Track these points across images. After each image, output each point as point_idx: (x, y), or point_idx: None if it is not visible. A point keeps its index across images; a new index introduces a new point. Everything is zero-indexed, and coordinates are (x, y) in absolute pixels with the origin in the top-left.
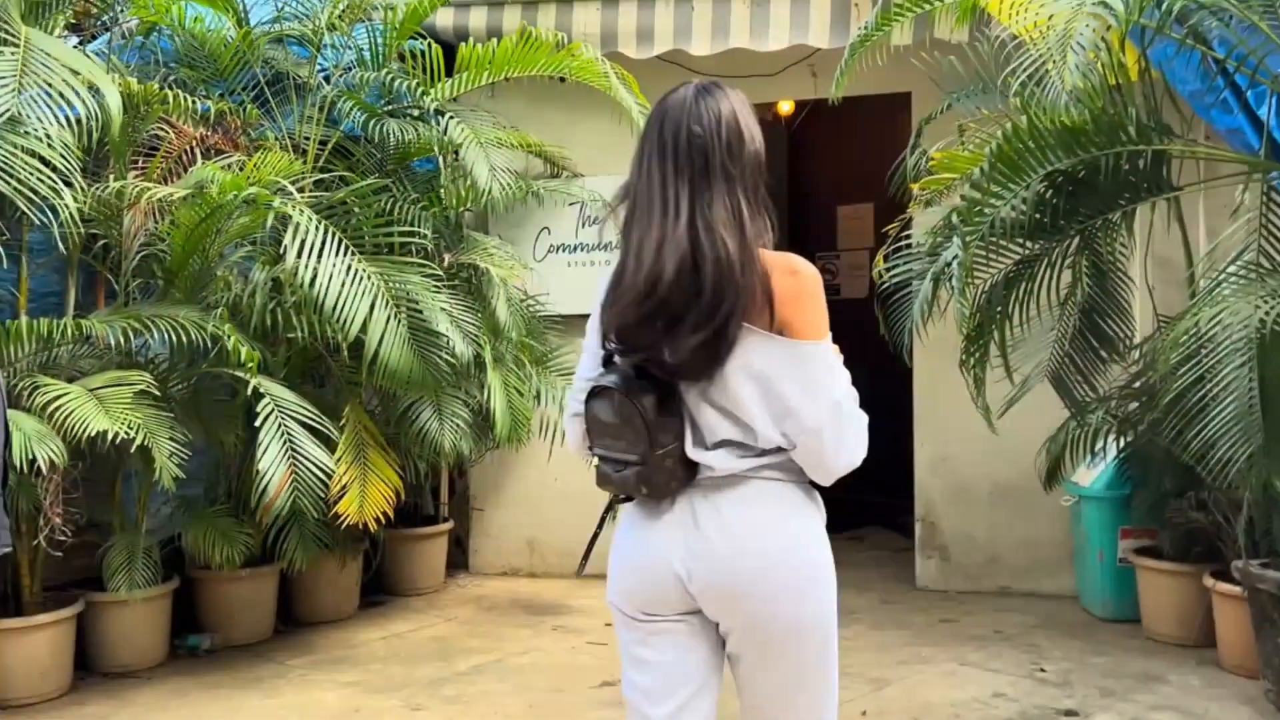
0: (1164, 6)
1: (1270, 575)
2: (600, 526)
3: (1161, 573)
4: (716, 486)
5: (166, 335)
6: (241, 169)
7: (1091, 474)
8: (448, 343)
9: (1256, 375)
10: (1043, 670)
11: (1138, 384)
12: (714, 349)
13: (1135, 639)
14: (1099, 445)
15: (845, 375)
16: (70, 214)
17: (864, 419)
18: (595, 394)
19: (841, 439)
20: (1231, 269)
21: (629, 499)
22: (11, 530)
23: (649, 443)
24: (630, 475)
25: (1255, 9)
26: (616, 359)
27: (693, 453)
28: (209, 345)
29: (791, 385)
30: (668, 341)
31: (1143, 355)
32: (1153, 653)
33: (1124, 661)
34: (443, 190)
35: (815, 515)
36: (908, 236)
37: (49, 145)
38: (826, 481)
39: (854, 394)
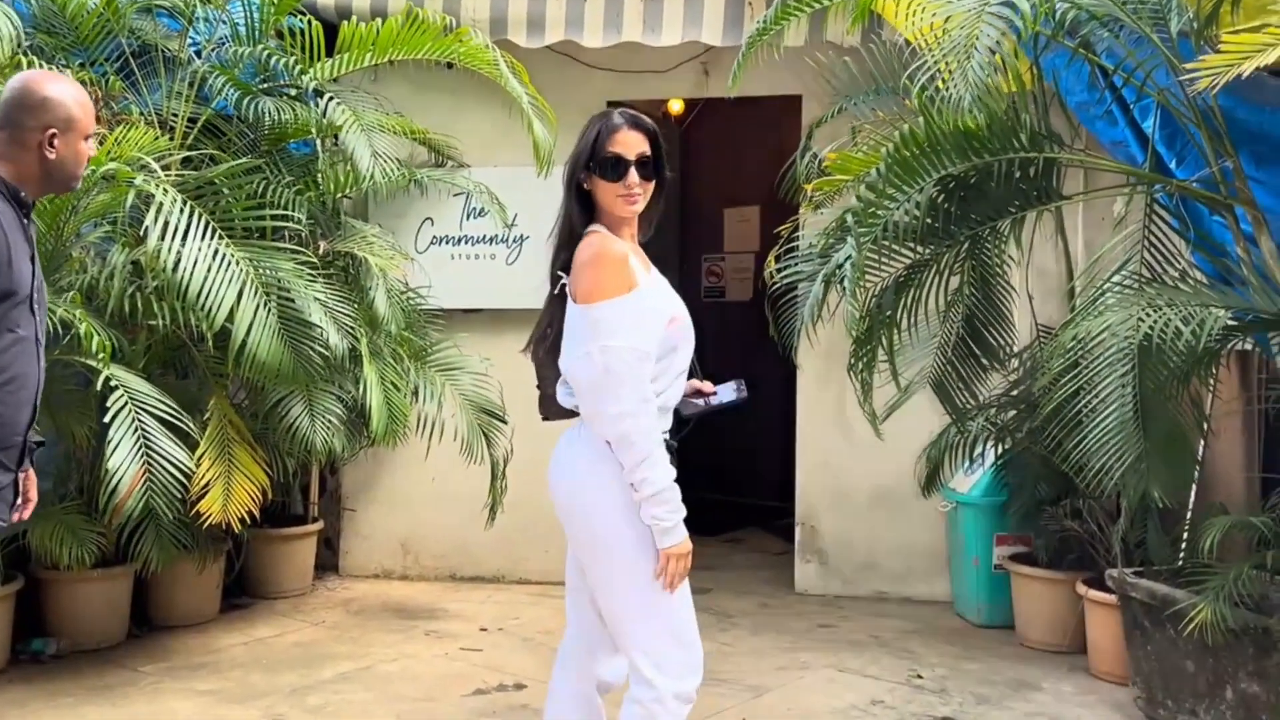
0: (1057, 16)
1: (1143, 584)
2: None
3: (1035, 579)
4: (573, 421)
5: None
6: (102, 143)
7: (969, 480)
8: (321, 334)
9: (1137, 386)
10: (920, 677)
11: (1016, 392)
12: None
13: (1009, 645)
14: (977, 452)
15: (622, 342)
16: None
17: (630, 396)
18: None
19: (592, 391)
20: (1115, 279)
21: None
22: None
23: (538, 375)
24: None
25: (1145, 20)
26: None
27: (558, 387)
28: (60, 331)
29: (566, 337)
30: None
31: (1022, 364)
32: (1026, 659)
33: (998, 668)
34: (320, 175)
35: (599, 460)
36: (798, 238)
37: None
38: (596, 431)
39: (627, 364)
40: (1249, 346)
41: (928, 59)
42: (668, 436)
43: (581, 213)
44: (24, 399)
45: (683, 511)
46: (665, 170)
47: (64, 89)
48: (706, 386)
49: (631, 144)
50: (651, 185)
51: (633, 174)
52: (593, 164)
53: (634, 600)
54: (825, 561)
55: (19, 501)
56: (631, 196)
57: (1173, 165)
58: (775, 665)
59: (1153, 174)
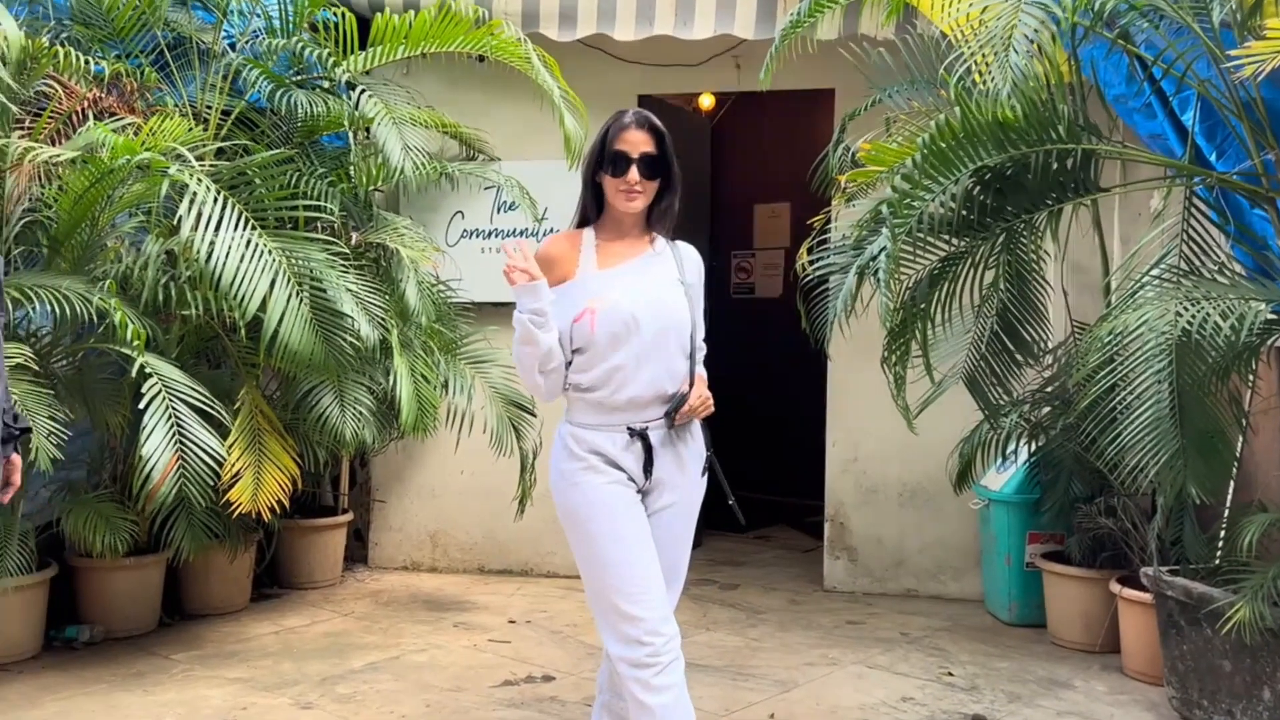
0: (1096, 7)
1: (1179, 582)
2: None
3: (1068, 578)
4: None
5: (50, 307)
6: (136, 133)
7: (1002, 478)
8: (352, 324)
9: (1174, 381)
10: (950, 674)
11: (1050, 388)
12: None
13: (1040, 644)
14: (1010, 449)
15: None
16: None
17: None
18: None
19: None
20: (1153, 273)
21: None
22: None
23: None
24: None
25: (1186, 10)
26: None
27: None
28: (95, 319)
29: None
30: None
31: (1056, 360)
32: (1058, 658)
33: (1030, 666)
34: (352, 167)
35: (555, 445)
36: (830, 231)
37: None
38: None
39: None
40: None
41: (964, 50)
42: (630, 430)
43: (593, 207)
44: None
45: (524, 317)
46: (674, 171)
47: None
48: (683, 389)
49: (636, 142)
50: (655, 184)
51: (634, 171)
52: (601, 160)
53: (582, 572)
54: (854, 558)
55: (2, 484)
56: (631, 193)
57: (1213, 158)
58: (804, 661)
59: (1192, 166)
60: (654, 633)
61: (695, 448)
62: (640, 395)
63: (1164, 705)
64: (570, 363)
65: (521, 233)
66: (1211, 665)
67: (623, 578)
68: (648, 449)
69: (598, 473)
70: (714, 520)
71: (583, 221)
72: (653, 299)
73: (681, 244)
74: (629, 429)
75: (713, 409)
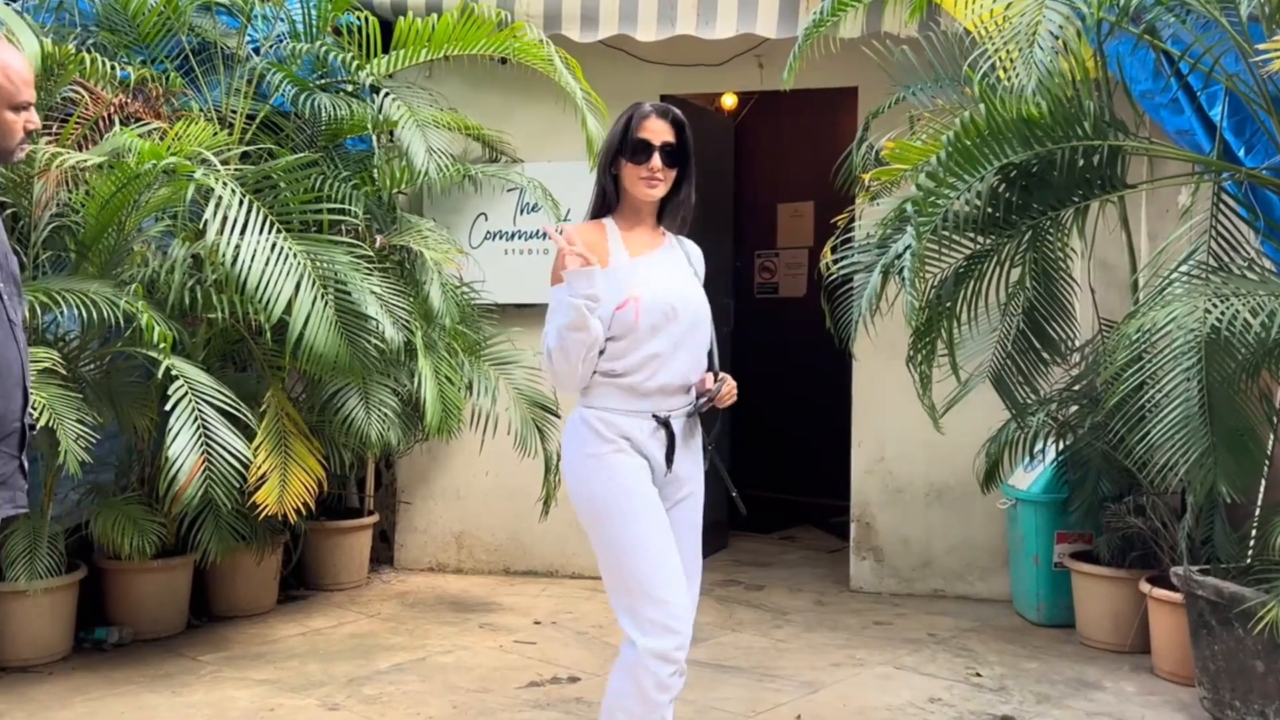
0: (1121, 3)
1: (1210, 582)
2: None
3: (1097, 578)
4: None
5: (77, 311)
6: (162, 138)
7: (1029, 477)
8: (377, 327)
9: (1203, 379)
10: (978, 675)
11: (1078, 387)
12: None
13: (1069, 644)
14: (1038, 448)
15: (551, 326)
16: None
17: (549, 351)
18: None
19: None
20: (1182, 270)
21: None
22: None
23: None
24: None
25: (1214, 4)
26: None
27: None
28: (122, 323)
29: None
30: None
31: (1084, 358)
32: (1087, 658)
33: (1059, 667)
34: (376, 170)
35: (570, 436)
36: (854, 230)
37: None
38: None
39: (552, 330)
40: None
41: (989, 47)
42: (655, 417)
43: (611, 195)
44: (12, 384)
45: (579, 302)
46: (691, 163)
47: None
48: (708, 381)
49: (658, 131)
50: (674, 173)
51: (656, 159)
52: (621, 149)
53: (605, 561)
54: (881, 559)
55: (27, 485)
56: (653, 180)
57: (1241, 153)
58: (830, 662)
59: (1220, 162)
60: (680, 619)
61: (699, 441)
62: (671, 383)
63: (1195, 706)
64: (603, 350)
65: (544, 234)
66: (1243, 666)
67: (643, 563)
68: (670, 437)
69: (628, 455)
70: (738, 521)
71: (599, 211)
72: (679, 289)
73: (686, 240)
74: (654, 416)
75: (735, 398)
